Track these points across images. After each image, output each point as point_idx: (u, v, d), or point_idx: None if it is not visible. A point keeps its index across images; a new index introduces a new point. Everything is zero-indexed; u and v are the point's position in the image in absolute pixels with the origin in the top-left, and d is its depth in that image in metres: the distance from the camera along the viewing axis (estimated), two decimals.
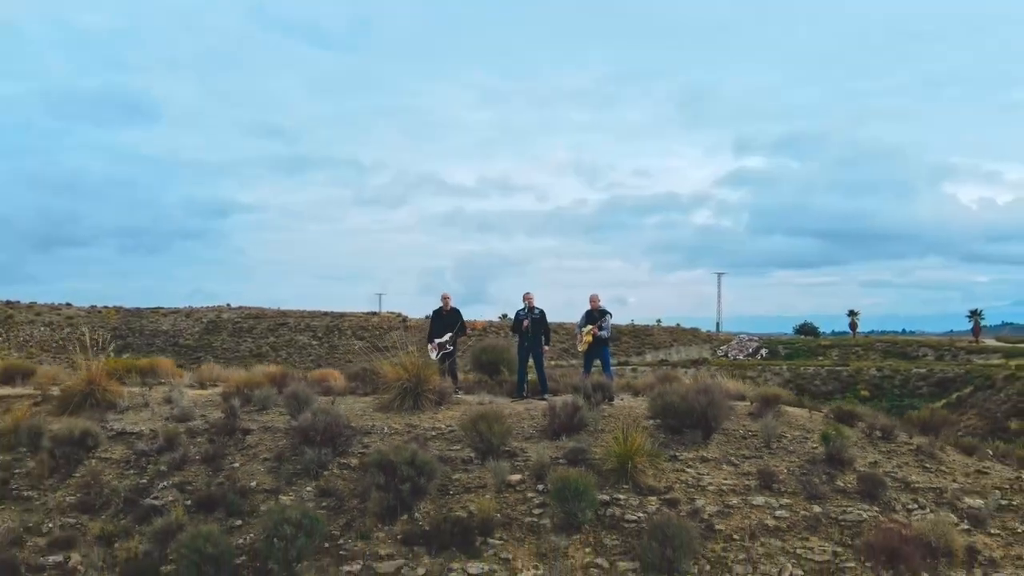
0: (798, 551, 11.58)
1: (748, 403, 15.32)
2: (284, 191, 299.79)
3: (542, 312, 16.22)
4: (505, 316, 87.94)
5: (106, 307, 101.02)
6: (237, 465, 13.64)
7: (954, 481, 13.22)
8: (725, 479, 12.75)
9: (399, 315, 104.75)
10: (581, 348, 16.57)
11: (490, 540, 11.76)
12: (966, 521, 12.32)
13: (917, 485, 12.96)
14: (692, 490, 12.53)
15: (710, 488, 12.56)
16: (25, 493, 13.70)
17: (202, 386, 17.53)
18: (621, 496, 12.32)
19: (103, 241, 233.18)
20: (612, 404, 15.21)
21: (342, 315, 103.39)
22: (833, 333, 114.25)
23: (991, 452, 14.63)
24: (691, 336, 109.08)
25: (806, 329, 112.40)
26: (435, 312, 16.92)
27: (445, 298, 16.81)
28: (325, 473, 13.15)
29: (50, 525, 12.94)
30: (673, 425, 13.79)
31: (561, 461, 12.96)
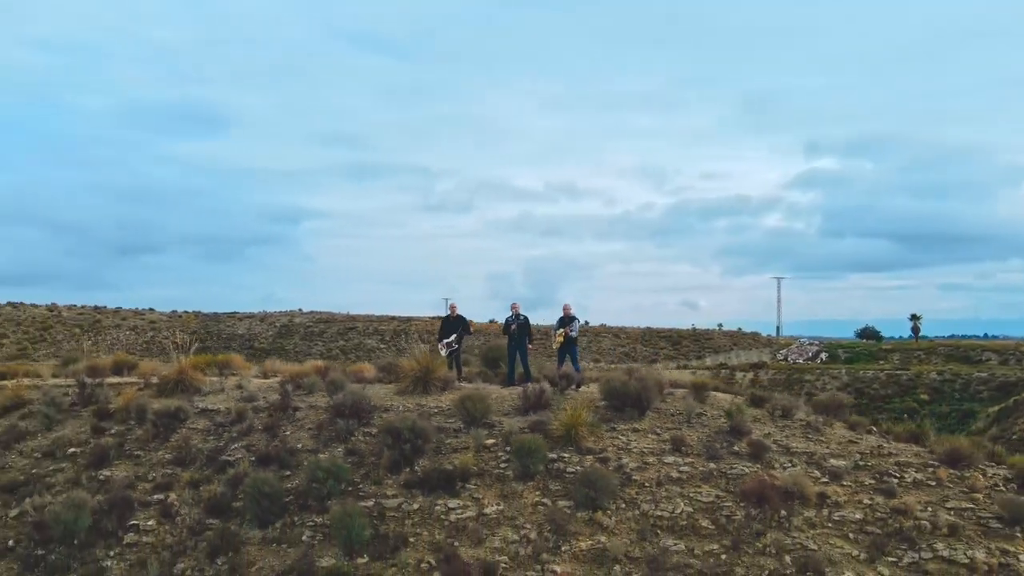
0: (691, 495, 15.73)
1: (686, 390, 19.42)
2: (352, 198, 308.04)
3: (526, 318, 20.57)
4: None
5: (186, 312, 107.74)
6: (288, 432, 18.30)
7: (827, 447, 17.19)
8: (647, 444, 16.95)
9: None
10: (555, 346, 20.85)
11: (467, 485, 16.16)
12: (826, 476, 16.29)
13: (795, 449, 16.97)
14: (621, 451, 16.76)
15: (634, 450, 16.77)
16: (135, 453, 18.55)
17: (265, 376, 22.28)
18: (566, 455, 16.61)
19: (179, 248, 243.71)
20: (578, 390, 19.45)
21: (409, 319, 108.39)
22: (899, 338, 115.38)
23: (875, 428, 18.50)
24: (751, 340, 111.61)
25: (868, 333, 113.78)
26: (444, 318, 21.37)
27: (452, 307, 21.30)
28: (352, 438, 17.68)
29: (153, 475, 17.75)
30: (616, 404, 18.00)
31: (526, 430, 17.28)
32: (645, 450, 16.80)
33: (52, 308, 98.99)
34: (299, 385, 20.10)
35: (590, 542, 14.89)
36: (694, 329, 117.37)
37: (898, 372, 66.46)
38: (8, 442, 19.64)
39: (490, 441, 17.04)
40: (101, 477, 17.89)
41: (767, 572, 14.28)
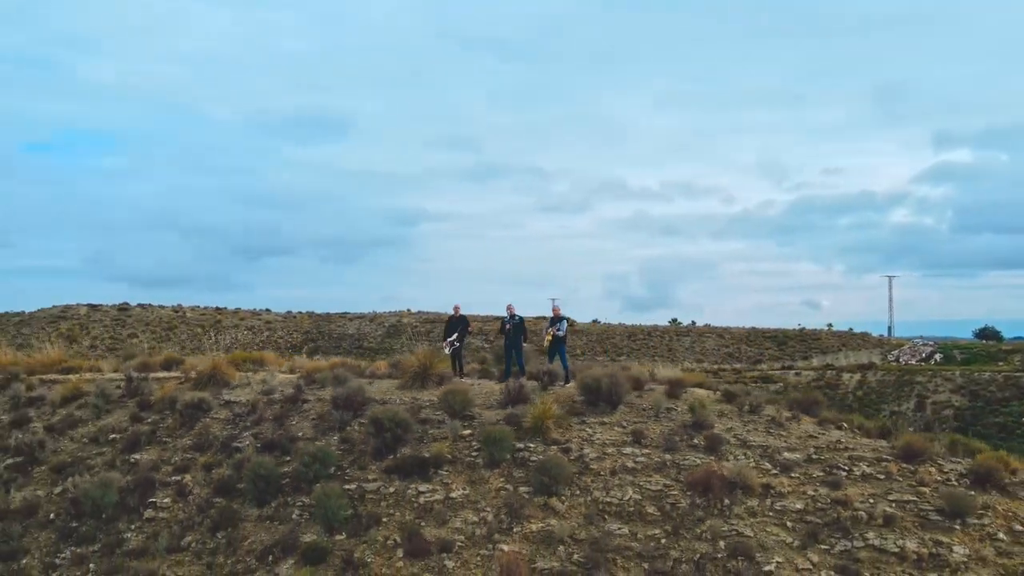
0: (641, 483, 16.82)
1: (664, 386, 20.43)
2: (469, 200, 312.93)
3: (521, 319, 21.91)
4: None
5: (300, 313, 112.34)
6: (294, 422, 20.17)
7: (785, 442, 17.96)
8: (610, 436, 18.09)
9: (569, 320, 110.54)
10: (545, 344, 22.12)
11: (439, 471, 17.66)
12: (777, 468, 17.11)
13: (752, 443, 17.82)
14: (584, 442, 17.96)
15: (596, 441, 17.94)
16: (164, 439, 20.75)
17: (291, 372, 24.28)
18: (532, 445, 17.93)
19: (304, 251, 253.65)
20: (563, 386, 20.68)
21: None
22: (1020, 338, 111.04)
23: (844, 424, 19.12)
24: (860, 341, 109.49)
25: (987, 333, 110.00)
26: (449, 318, 22.92)
27: (455, 308, 22.82)
28: (347, 428, 19.40)
29: (175, 459, 19.88)
30: (591, 399, 19.17)
31: (501, 422, 18.66)
32: (607, 441, 17.95)
33: (177, 309, 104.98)
34: (313, 380, 21.95)
35: (541, 525, 16.17)
36: (801, 329, 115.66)
37: (1017, 374, 64.40)
38: (63, 428, 22.15)
39: (466, 432, 18.48)
40: (132, 460, 20.14)
41: (699, 555, 15.29)
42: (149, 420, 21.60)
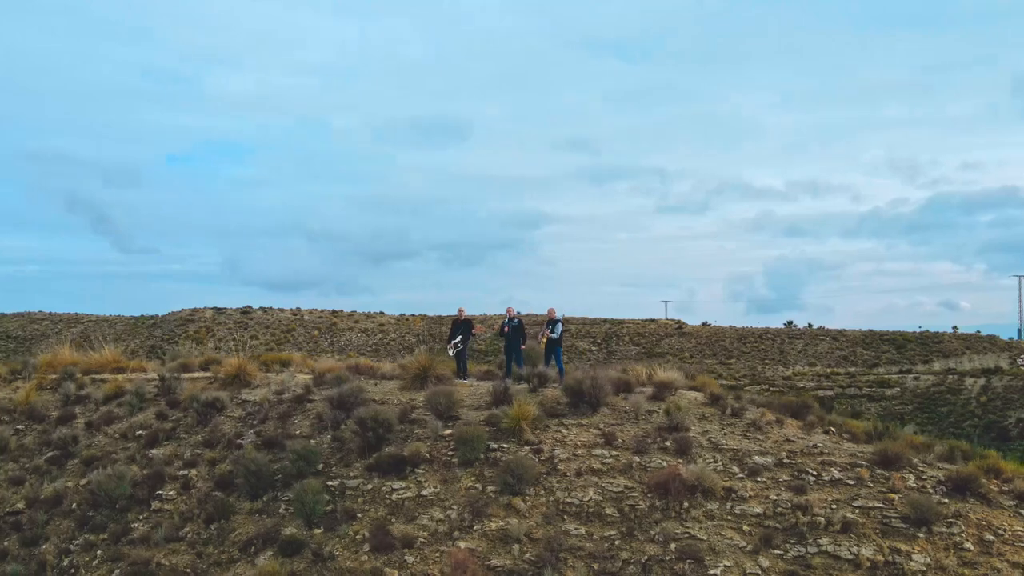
0: (604, 485, 16.96)
1: (652, 388, 20.43)
2: (589, 201, 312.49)
3: (520, 321, 22.28)
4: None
5: (413, 315, 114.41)
6: (296, 421, 21.09)
7: (759, 445, 17.76)
8: (584, 437, 18.27)
9: (677, 322, 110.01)
10: (540, 347, 22.38)
11: (416, 470, 18.22)
12: (745, 471, 16.97)
13: (724, 446, 17.69)
14: (557, 444, 18.20)
15: (569, 443, 18.16)
16: (181, 436, 22.02)
17: (312, 372, 25.28)
18: (505, 445, 18.28)
19: (426, 255, 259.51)
20: (554, 387, 20.93)
21: (620, 322, 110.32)
22: None
23: (833, 428, 18.75)
24: (988, 344, 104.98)
25: None
26: (453, 321, 23.46)
27: (460, 311, 23.35)
28: (341, 427, 20.17)
29: (187, 454, 21.08)
30: (574, 401, 19.38)
31: (482, 423, 19.07)
32: (579, 443, 18.14)
33: (296, 312, 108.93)
34: (324, 381, 22.85)
35: (501, 523, 16.52)
36: (922, 332, 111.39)
37: None
38: (99, 424, 23.73)
39: (447, 432, 18.97)
40: (150, 455, 21.46)
41: (647, 557, 15.37)
42: (172, 418, 22.93)
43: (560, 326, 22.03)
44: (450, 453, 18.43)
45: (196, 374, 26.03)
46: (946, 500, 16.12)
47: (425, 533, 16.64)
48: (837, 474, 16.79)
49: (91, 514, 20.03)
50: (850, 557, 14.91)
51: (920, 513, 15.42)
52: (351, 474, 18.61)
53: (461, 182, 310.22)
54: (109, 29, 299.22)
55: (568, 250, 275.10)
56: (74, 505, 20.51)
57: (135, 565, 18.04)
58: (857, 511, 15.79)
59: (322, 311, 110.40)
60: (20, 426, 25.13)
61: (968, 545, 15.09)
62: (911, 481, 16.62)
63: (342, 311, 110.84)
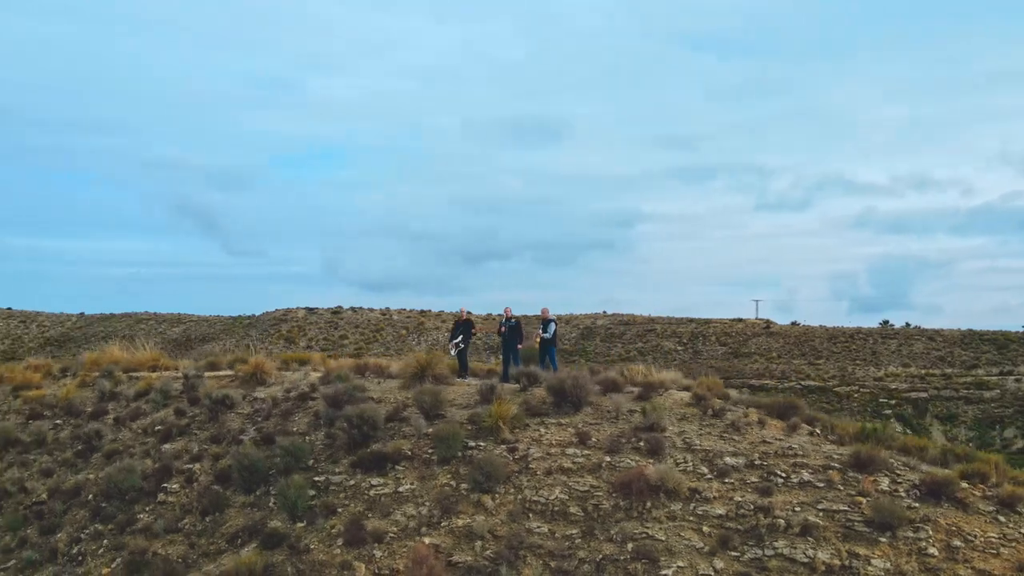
0: (572, 484, 17.07)
1: (639, 388, 20.38)
2: (686, 200, 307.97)
3: (518, 321, 22.49)
4: None
5: (499, 315, 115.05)
6: (296, 418, 21.76)
7: (733, 446, 17.57)
8: (560, 437, 18.39)
9: (765, 322, 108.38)
10: (535, 346, 22.54)
11: (396, 467, 18.64)
12: (714, 472, 16.84)
13: (697, 447, 17.58)
14: (532, 443, 18.36)
15: (544, 442, 18.30)
16: (193, 431, 22.95)
17: (323, 371, 25.98)
18: (483, 443, 18.53)
19: (521, 254, 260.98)
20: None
21: (707, 322, 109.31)
22: None
23: (819, 430, 18.43)
24: None
25: None
26: (455, 321, 23.81)
27: (462, 311, 23.68)
28: (335, 424, 20.73)
29: (195, 449, 21.97)
30: (557, 400, 19.51)
31: (466, 421, 19.37)
32: (554, 442, 18.27)
33: (385, 312, 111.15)
34: (329, 380, 23.49)
35: (468, 520, 16.79)
36: None
37: None
38: (126, 420, 24.92)
39: (430, 430, 19.33)
40: (162, 449, 22.44)
41: (601, 556, 15.43)
42: (189, 414, 23.92)
43: (553, 326, 22.16)
44: (430, 451, 18.78)
45: (221, 372, 27.03)
46: (916, 505, 15.71)
47: (396, 528, 17.02)
48: (807, 476, 16.53)
49: (104, 505, 21.08)
50: (806, 560, 14.68)
51: (884, 517, 15.07)
52: (337, 470, 19.14)
53: (557, 182, 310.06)
54: (216, 40, 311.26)
55: (663, 249, 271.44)
56: (90, 496, 21.60)
57: (133, 554, 18.94)
58: (821, 514, 15.53)
59: (410, 311, 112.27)
60: (59, 421, 26.56)
61: (933, 551, 14.69)
62: (884, 484, 16.25)
63: (430, 311, 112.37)
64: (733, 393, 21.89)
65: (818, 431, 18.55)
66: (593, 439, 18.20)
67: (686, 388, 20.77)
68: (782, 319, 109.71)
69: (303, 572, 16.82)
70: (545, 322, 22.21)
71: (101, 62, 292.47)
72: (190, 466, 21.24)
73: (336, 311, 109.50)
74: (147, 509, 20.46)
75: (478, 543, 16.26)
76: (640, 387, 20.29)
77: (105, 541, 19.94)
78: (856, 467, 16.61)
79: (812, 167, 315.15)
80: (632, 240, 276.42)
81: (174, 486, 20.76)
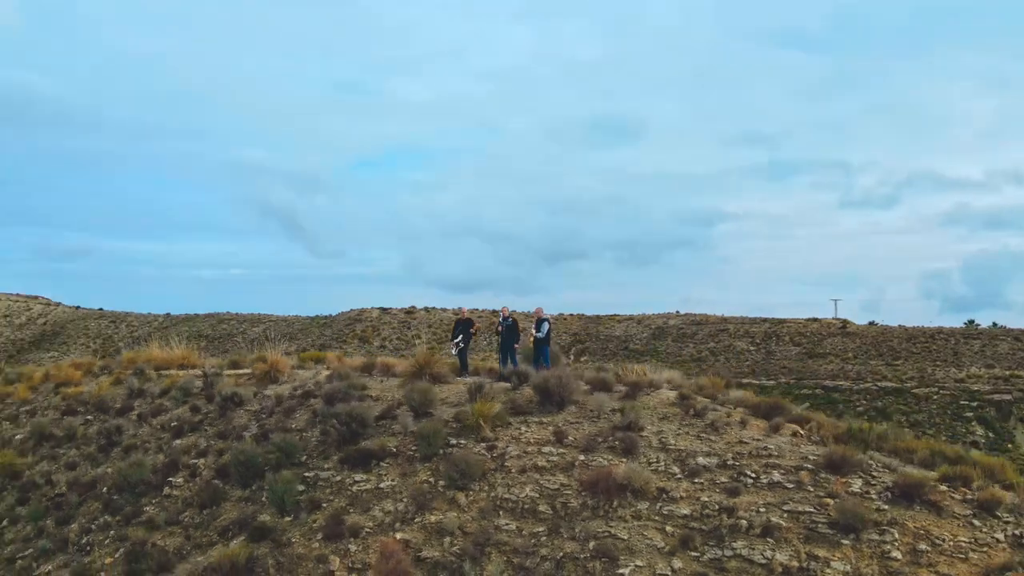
0: (543, 482, 17.19)
1: (626, 388, 20.36)
2: (768, 198, 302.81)
3: (515, 321, 22.66)
4: None
5: (571, 314, 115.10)
6: (297, 415, 22.31)
7: (709, 447, 17.46)
8: (539, 435, 18.51)
9: (841, 322, 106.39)
10: (528, 345, 22.66)
11: (381, 463, 19.01)
12: (685, 472, 16.78)
13: (671, 446, 17.51)
14: (512, 441, 18.53)
15: (523, 440, 18.45)
16: (204, 428, 23.71)
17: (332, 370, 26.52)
18: (464, 441, 18.77)
19: (600, 254, 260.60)
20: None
21: (781, 321, 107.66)
22: None
23: (801, 432, 18.18)
24: None
25: None
26: (456, 321, 24.11)
27: (461, 310, 23.96)
28: (333, 420, 21.21)
29: (202, 445, 22.70)
30: (543, 399, 19.64)
31: (452, 419, 19.64)
32: (533, 440, 18.40)
33: (457, 311, 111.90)
34: (334, 377, 24.01)
35: (440, 516, 17.05)
36: None
37: None
38: (147, 416, 25.85)
39: (415, 428, 19.65)
40: (173, 444, 23.24)
41: (562, 554, 15.53)
42: (203, 411, 24.71)
43: (547, 325, 22.29)
44: (414, 448, 19.10)
45: (241, 371, 27.83)
46: (886, 507, 15.44)
47: (372, 523, 17.38)
48: (777, 477, 16.35)
49: (115, 497, 21.94)
50: (763, 561, 14.57)
51: (847, 519, 14.85)
52: (326, 466, 19.60)
53: (635, 181, 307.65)
54: (297, 46, 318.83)
55: (745, 248, 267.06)
56: (104, 489, 22.50)
57: (134, 545, 19.68)
58: (785, 515, 15.37)
59: (482, 310, 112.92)
60: (89, 416, 27.68)
61: (896, 554, 14.44)
62: (857, 486, 15.99)
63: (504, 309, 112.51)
64: (738, 393, 21.74)
65: (801, 432, 18.29)
66: (570, 438, 18.29)
67: (676, 388, 20.67)
68: (869, 319, 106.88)
69: (283, 565, 17.30)
70: (539, 321, 22.36)
71: (188, 71, 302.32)
72: (195, 461, 21.96)
73: (409, 311, 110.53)
74: (153, 502, 21.23)
75: (447, 539, 16.51)
76: (628, 386, 20.26)
77: (112, 532, 20.75)
78: (830, 468, 16.37)
79: (900, 163, 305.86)
80: (713, 239, 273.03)
81: (179, 480, 21.49)
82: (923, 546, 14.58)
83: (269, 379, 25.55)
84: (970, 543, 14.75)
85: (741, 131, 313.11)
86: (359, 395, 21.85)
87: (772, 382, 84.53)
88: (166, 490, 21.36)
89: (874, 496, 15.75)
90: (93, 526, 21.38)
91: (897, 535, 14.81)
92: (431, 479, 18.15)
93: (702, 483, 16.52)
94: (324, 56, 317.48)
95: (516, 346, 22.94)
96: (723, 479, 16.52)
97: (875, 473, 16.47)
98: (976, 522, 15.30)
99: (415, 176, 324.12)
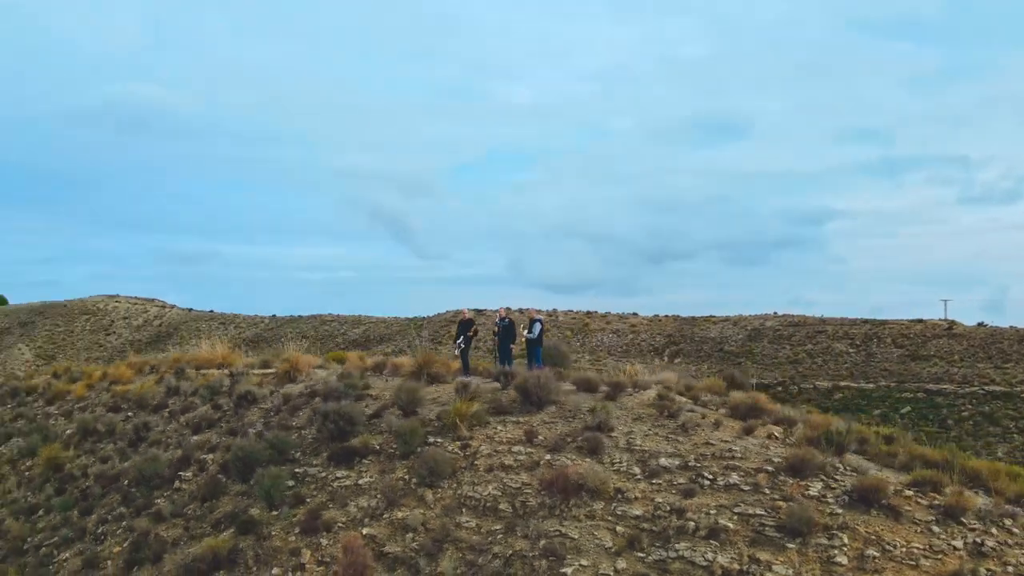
0: (507, 481, 17.38)
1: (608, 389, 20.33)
2: (880, 195, 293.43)
3: (511, 322, 22.90)
4: None
5: (665, 316, 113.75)
6: (300, 413, 23.03)
7: (676, 447, 17.34)
8: (512, 434, 18.70)
9: (948, 323, 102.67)
10: (513, 346, 22.85)
11: (364, 461, 19.52)
12: (645, 473, 16.73)
13: (636, 447, 17.47)
14: (486, 440, 18.77)
15: (497, 439, 18.67)
16: (220, 424, 24.68)
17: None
18: (441, 439, 19.10)
19: (705, 254, 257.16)
20: None
21: (883, 323, 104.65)
22: None
23: (776, 434, 17.89)
24: None
25: None
26: (459, 322, 24.44)
27: (463, 312, 24.29)
28: (323, 419, 21.82)
29: (215, 440, 23.65)
30: (524, 399, 19.83)
31: (435, 418, 20.00)
32: (505, 440, 18.61)
33: (551, 314, 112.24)
34: (342, 377, 24.67)
35: (408, 513, 17.45)
36: None
37: None
38: (176, 413, 27.05)
39: (396, 427, 20.07)
40: (191, 440, 24.28)
41: (511, 552, 15.72)
42: (224, 409, 25.71)
43: (539, 326, 22.42)
44: (395, 446, 19.53)
45: (268, 370, 28.81)
46: (840, 511, 15.11)
47: (345, 519, 17.89)
48: (735, 479, 16.17)
49: (133, 490, 23.08)
50: (704, 564, 14.45)
51: (793, 523, 14.62)
52: (315, 463, 20.23)
53: (741, 179, 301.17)
54: (400, 51, 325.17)
55: (858, 247, 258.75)
56: (125, 482, 23.67)
57: (139, 535, 20.70)
58: (736, 518, 15.21)
59: (576, 312, 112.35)
60: (130, 413, 29.10)
61: (842, 559, 14.15)
62: (815, 489, 15.69)
63: (596, 312, 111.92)
64: (740, 395, 21.48)
65: (777, 434, 17.99)
66: (541, 437, 18.43)
67: (663, 387, 20.56)
68: (990, 320, 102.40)
69: (261, 556, 17.98)
70: (531, 322, 22.53)
71: (297, 79, 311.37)
72: (205, 456, 22.90)
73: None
74: (164, 495, 22.24)
75: (410, 535, 16.88)
76: (611, 387, 20.25)
77: (124, 523, 21.83)
78: (790, 471, 16.10)
79: (1022, 156, 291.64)
80: (823, 238, 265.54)
81: (188, 474, 22.46)
82: (872, 551, 14.25)
83: (288, 378, 26.40)
84: (923, 550, 14.35)
85: (851, 126, 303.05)
86: (357, 394, 22.41)
87: (871, 385, 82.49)
88: (176, 484, 22.34)
89: (831, 500, 15.43)
90: (110, 517, 22.52)
91: (846, 540, 14.50)
92: (406, 476, 18.56)
93: (660, 484, 16.46)
94: (422, 60, 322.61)
95: (512, 346, 23.17)
96: (681, 480, 16.42)
97: (838, 477, 16.11)
98: (936, 528, 14.87)
99: (517, 178, 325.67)
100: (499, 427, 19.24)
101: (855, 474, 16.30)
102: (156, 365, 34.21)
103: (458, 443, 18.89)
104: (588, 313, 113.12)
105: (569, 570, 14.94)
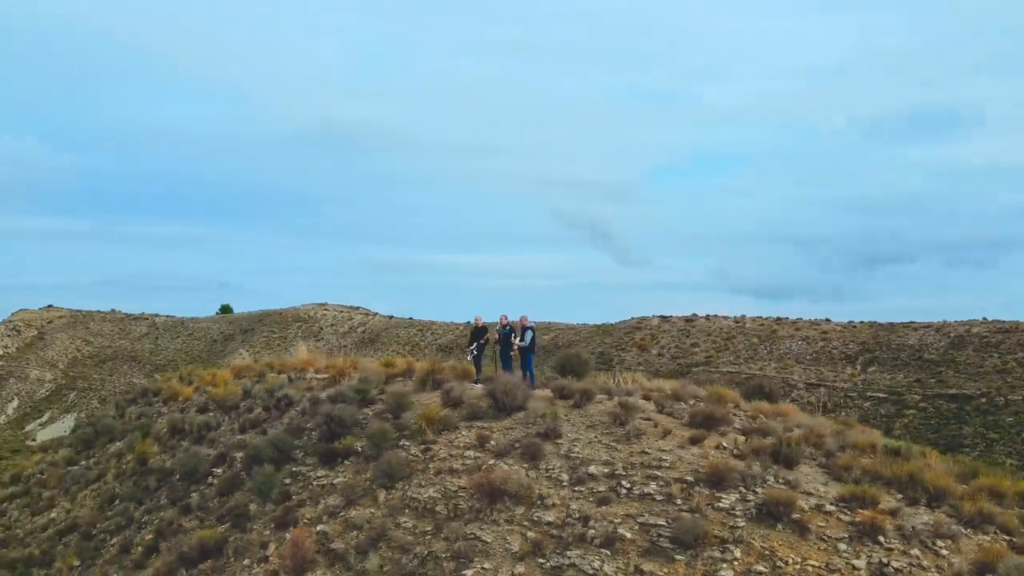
0: (447, 484, 17.89)
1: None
2: None
3: (511, 328, 23.18)
4: None
5: (860, 322, 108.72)
6: (316, 415, 24.34)
7: (611, 455, 17.24)
8: (470, 439, 19.13)
9: None
10: (513, 353, 22.96)
11: (344, 462, 20.55)
12: (572, 480, 16.78)
13: (573, 454, 17.50)
14: (447, 444, 19.32)
15: (456, 443, 19.18)
16: (264, 426, 26.45)
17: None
18: (409, 443, 19.82)
19: (927, 256, 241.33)
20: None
21: None
22: None
23: (724, 444, 17.42)
24: None
25: None
26: (472, 328, 24.94)
27: (477, 319, 24.78)
28: (325, 420, 23.01)
29: (249, 440, 25.40)
30: (498, 405, 20.22)
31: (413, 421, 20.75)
32: (462, 444, 19.08)
33: (739, 320, 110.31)
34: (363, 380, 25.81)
35: (359, 512, 18.32)
36: None
37: None
38: (241, 414, 29.18)
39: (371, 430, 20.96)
40: (233, 439, 26.19)
41: (427, 552, 16.26)
42: (272, 410, 27.52)
43: (531, 333, 22.64)
44: (371, 449, 20.44)
45: (323, 375, 30.49)
46: (742, 524, 14.68)
47: (311, 515, 18.99)
48: (652, 488, 15.97)
49: (179, 483, 25.23)
50: (591, 572, 14.47)
51: (683, 536, 14.37)
52: (308, 462, 21.46)
53: (965, 176, 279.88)
54: (600, 57, 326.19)
55: None
56: (176, 477, 25.89)
57: (164, 524, 22.73)
58: (637, 527, 15.09)
59: (764, 319, 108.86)
60: (212, 413, 31.59)
61: (727, 573, 13.82)
62: (728, 501, 15.28)
63: (786, 318, 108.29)
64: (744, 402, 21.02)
65: (723, 444, 17.52)
66: (492, 443, 18.79)
67: (647, 397, 20.38)
68: None
69: (239, 548, 19.40)
70: (523, 329, 22.78)
71: (499, 91, 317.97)
72: (237, 454, 24.69)
73: (690, 319, 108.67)
74: (199, 489, 24.19)
75: (354, 532, 17.74)
76: (579, 393, 20.27)
77: (161, 514, 23.95)
78: (710, 483, 15.73)
79: None
80: None
81: (219, 470, 24.30)
82: (761, 567, 13.83)
83: (334, 381, 27.88)
84: (819, 568, 13.80)
85: None
86: (364, 398, 23.47)
87: None
88: (209, 479, 24.23)
89: (738, 512, 14.99)
90: (154, 508, 24.73)
91: (738, 554, 14.12)
92: (371, 477, 19.41)
93: (581, 491, 16.48)
94: (627, 65, 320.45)
95: (512, 354, 23.47)
96: (602, 488, 16.38)
97: (758, 489, 15.58)
98: (843, 546, 14.21)
99: (722, 180, 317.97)
100: (464, 432, 19.74)
101: (774, 486, 15.71)
102: (247, 370, 36.81)
103: (422, 446, 19.55)
104: (778, 319, 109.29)
105: (470, 572, 15.32)
